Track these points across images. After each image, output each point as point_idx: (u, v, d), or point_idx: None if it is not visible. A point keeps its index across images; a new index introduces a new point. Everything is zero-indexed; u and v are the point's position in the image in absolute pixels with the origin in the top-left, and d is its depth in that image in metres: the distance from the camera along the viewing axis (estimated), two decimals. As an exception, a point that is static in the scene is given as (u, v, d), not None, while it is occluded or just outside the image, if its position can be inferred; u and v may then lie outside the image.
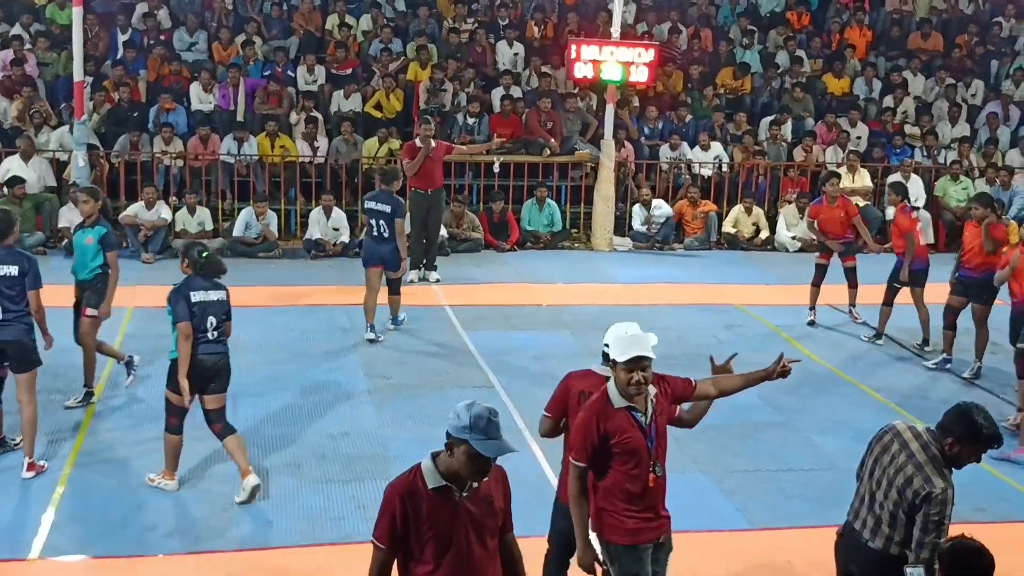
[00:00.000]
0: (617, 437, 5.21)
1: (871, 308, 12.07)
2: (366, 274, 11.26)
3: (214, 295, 7.71)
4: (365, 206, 11.73)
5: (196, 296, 7.58)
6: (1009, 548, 6.97)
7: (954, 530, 5.89)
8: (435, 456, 4.49)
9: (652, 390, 5.32)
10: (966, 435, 5.03)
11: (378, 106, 16.98)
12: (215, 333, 7.64)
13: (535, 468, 8.24)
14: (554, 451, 8.48)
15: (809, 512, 7.77)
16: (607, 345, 5.51)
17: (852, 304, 12.57)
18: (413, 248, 13.21)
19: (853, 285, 12.51)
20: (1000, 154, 17.66)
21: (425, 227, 13.68)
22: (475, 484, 4.46)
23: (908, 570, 5.05)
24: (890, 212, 16.20)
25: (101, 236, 9.13)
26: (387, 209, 11.11)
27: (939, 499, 4.95)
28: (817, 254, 12.69)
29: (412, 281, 13.25)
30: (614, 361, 5.22)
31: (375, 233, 11.20)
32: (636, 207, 16.24)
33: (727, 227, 16.39)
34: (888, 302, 11.77)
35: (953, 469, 5.10)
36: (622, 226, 16.33)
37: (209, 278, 7.77)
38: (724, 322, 12.41)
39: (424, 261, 13.74)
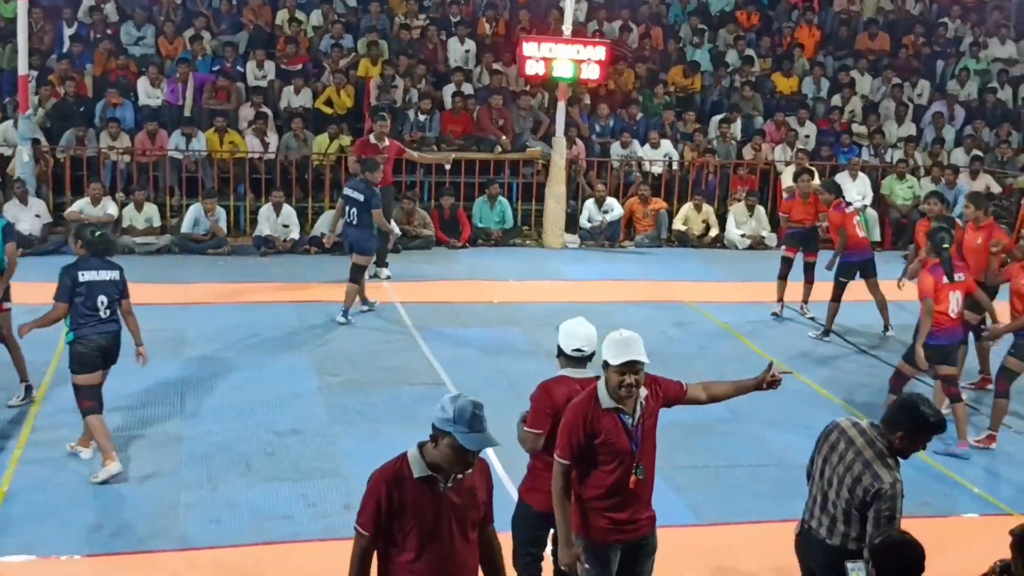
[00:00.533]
0: (602, 437, 5.22)
1: (823, 305, 12.17)
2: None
3: (105, 274, 7.86)
4: (344, 192, 12.16)
5: (86, 276, 7.74)
6: (954, 542, 7.10)
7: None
8: (421, 446, 4.50)
9: (643, 392, 5.34)
10: (914, 426, 5.12)
11: (329, 102, 16.89)
12: (107, 312, 7.80)
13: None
14: (508, 450, 8.51)
15: (757, 507, 7.83)
16: (578, 349, 5.60)
17: (805, 300, 12.70)
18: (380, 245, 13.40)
19: (810, 281, 12.64)
20: (946, 153, 17.90)
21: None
22: (459, 476, 4.47)
23: (848, 565, 5.11)
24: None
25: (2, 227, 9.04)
26: (360, 198, 11.65)
27: (889, 494, 5.03)
28: (784, 247, 12.84)
29: (388, 277, 13.47)
30: (606, 363, 5.23)
31: (347, 219, 11.78)
32: (589, 202, 16.27)
33: (677, 225, 16.48)
34: (836, 298, 11.90)
35: (900, 460, 5.19)
36: (574, 223, 16.37)
37: (101, 257, 7.92)
38: (675, 319, 12.48)
39: (375, 259, 13.70)
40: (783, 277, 12.63)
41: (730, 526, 7.61)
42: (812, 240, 12.63)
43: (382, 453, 8.61)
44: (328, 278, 13.45)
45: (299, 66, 17.44)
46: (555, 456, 5.31)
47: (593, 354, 5.66)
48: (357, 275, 11.78)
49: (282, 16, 18.35)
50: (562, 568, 5.42)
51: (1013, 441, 9.33)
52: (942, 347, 8.87)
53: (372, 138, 13.44)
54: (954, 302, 8.85)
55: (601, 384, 5.30)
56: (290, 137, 16.05)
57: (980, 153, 17.58)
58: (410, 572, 4.47)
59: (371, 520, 4.42)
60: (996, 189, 17.07)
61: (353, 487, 7.70)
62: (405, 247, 15.13)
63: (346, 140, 16.05)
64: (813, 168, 14.24)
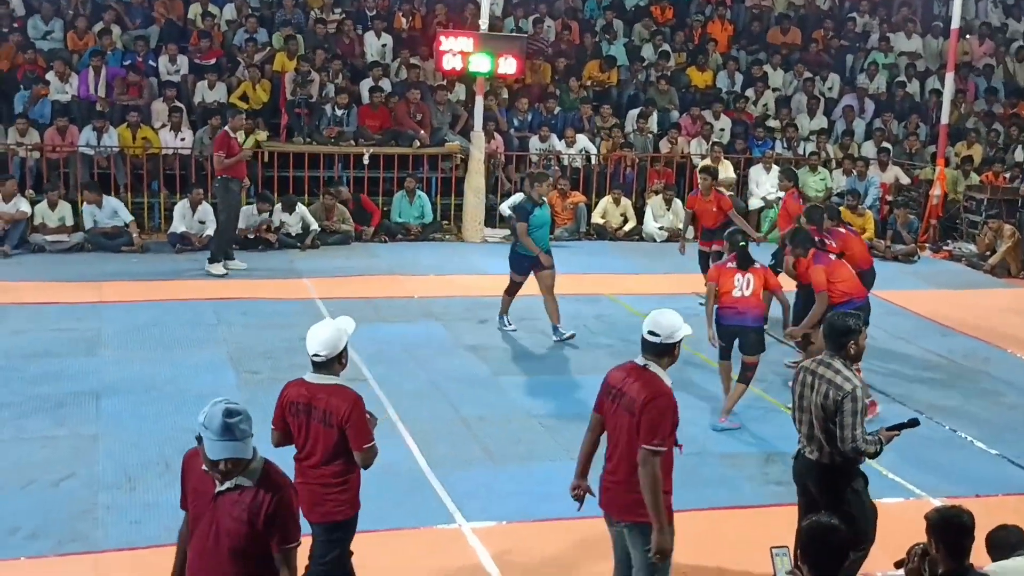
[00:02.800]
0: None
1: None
2: None
3: None
4: None
5: None
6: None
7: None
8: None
9: None
10: (842, 334, 6.07)
11: (244, 97, 16.69)
12: None
13: (409, 461, 8.24)
14: (429, 444, 8.52)
15: (677, 497, 7.86)
16: (651, 332, 5.55)
17: None
18: (222, 238, 13.49)
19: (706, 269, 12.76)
20: (856, 145, 18.28)
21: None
22: (236, 484, 4.39)
23: (773, 551, 5.20)
24: (756, 202, 16.74)
25: None
26: None
27: (852, 395, 5.87)
28: (699, 240, 12.94)
29: (226, 274, 13.28)
30: (668, 344, 5.52)
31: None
32: (518, 196, 16.21)
33: (596, 218, 16.59)
34: None
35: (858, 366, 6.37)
36: (493, 217, 16.40)
37: None
38: (594, 312, 12.57)
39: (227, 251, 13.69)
40: (705, 270, 12.70)
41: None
42: (718, 231, 12.69)
43: (304, 450, 8.46)
44: (243, 275, 13.35)
45: (213, 60, 17.21)
46: (654, 446, 5.28)
47: None
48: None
49: (195, 10, 18.09)
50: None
51: (925, 424, 9.56)
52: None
53: (230, 131, 13.28)
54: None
55: (660, 370, 5.52)
56: (205, 133, 15.82)
57: (889, 145, 17.99)
58: (189, 553, 4.58)
59: (182, 494, 4.62)
60: (905, 180, 17.49)
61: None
62: (324, 243, 15.03)
63: (262, 135, 15.91)
64: (712, 165, 14.39)
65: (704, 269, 12.73)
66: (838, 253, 10.19)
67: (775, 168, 17.02)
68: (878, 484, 8.31)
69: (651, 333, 5.55)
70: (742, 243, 9.63)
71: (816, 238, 10.08)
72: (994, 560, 5.21)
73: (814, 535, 4.59)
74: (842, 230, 11.00)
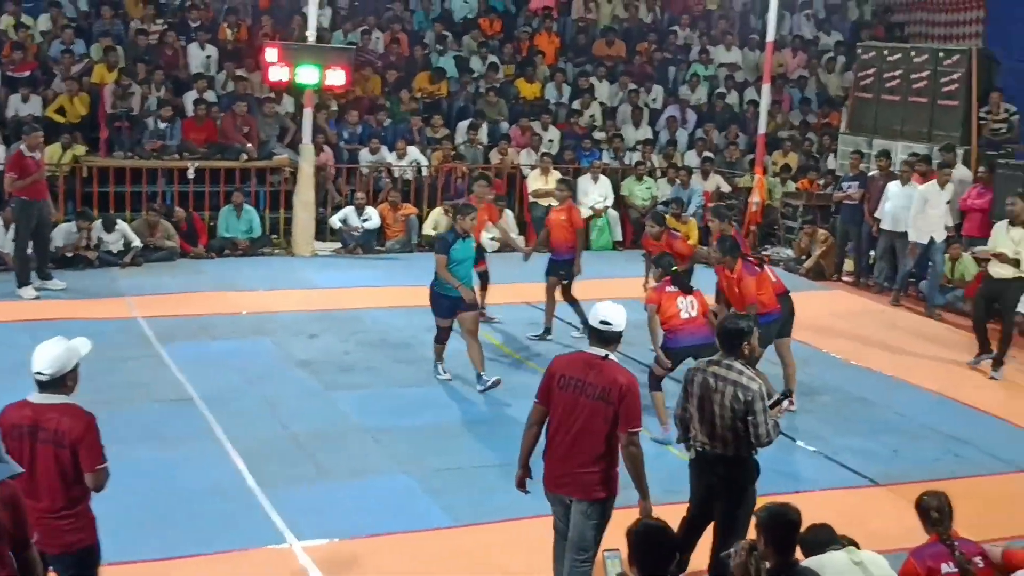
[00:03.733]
0: None
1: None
2: None
3: None
4: None
5: None
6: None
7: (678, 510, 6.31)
8: None
9: None
10: (735, 335, 6.36)
11: (61, 110, 16.10)
12: None
13: (237, 481, 8.08)
14: (259, 463, 8.36)
15: (510, 505, 7.95)
16: (604, 322, 5.99)
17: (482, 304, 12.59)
18: (22, 260, 12.92)
19: (483, 285, 12.67)
20: (679, 155, 18.78)
21: (36, 237, 13.09)
22: None
23: (604, 554, 5.28)
24: (585, 211, 16.97)
25: None
26: None
27: (760, 392, 6.20)
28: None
29: (37, 296, 12.78)
30: (618, 332, 6.02)
31: None
32: (350, 209, 16.11)
33: (427, 229, 16.57)
34: (550, 297, 12.23)
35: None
36: (323, 231, 16.22)
37: None
38: (426, 324, 12.47)
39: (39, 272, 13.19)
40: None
41: (486, 525, 7.69)
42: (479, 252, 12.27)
43: (127, 475, 8.27)
44: (61, 295, 12.90)
45: (27, 73, 16.52)
46: (636, 428, 5.90)
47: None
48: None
49: (7, 21, 17.31)
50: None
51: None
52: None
53: (25, 150, 12.70)
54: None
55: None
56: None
57: (711, 154, 18.53)
58: None
59: None
60: (726, 188, 18.04)
61: (99, 511, 7.37)
62: (148, 260, 14.60)
63: (80, 150, 15.39)
64: (489, 175, 14.55)
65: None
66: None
67: (603, 178, 17.40)
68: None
69: (603, 323, 5.99)
70: (674, 268, 9.84)
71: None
72: (807, 557, 5.41)
73: (644, 538, 4.68)
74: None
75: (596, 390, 5.87)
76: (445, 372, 10.67)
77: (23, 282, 12.86)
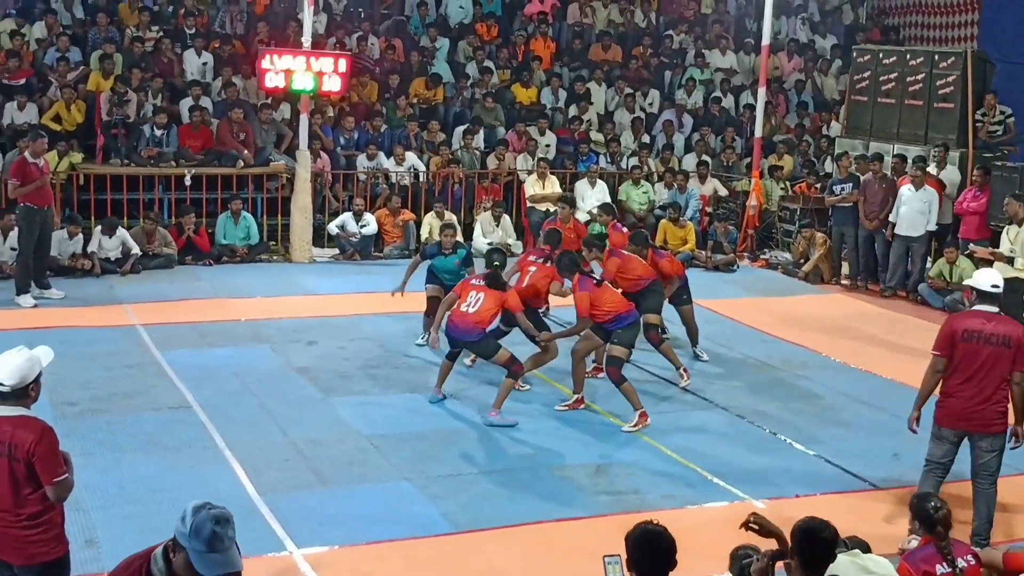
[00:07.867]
0: None
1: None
2: None
3: None
4: None
5: None
6: (700, 529, 7.44)
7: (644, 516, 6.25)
8: (169, 549, 4.20)
9: None
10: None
11: (57, 118, 16.10)
12: None
13: (237, 489, 8.05)
14: (259, 470, 8.34)
15: (510, 511, 7.96)
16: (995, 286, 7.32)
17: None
18: (24, 268, 12.87)
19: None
20: (676, 159, 18.79)
21: (37, 245, 13.03)
22: None
23: (605, 559, 5.27)
24: (583, 216, 16.97)
25: None
26: None
27: None
28: None
29: (35, 305, 12.72)
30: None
31: None
32: (348, 215, 16.12)
33: (423, 235, 16.57)
34: None
35: None
36: (321, 237, 16.22)
37: None
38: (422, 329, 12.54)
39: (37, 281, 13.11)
40: None
41: (485, 532, 7.69)
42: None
43: (127, 483, 8.28)
44: (60, 303, 12.88)
45: (22, 80, 16.53)
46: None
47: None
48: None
49: (2, 28, 17.35)
50: None
51: (746, 428, 9.87)
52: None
53: (29, 157, 12.68)
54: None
55: None
56: (14, 156, 15.10)
57: (708, 158, 18.55)
58: None
59: None
60: (723, 192, 18.06)
61: (95, 521, 7.37)
62: (146, 267, 14.59)
63: (77, 157, 15.39)
64: (572, 196, 14.68)
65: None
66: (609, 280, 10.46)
67: (600, 182, 17.40)
68: (702, 488, 8.61)
69: (993, 286, 7.24)
70: (496, 263, 10.09)
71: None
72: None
73: (641, 541, 4.67)
74: (624, 253, 11.18)
75: (998, 338, 7.16)
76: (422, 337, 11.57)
77: (22, 290, 12.83)
